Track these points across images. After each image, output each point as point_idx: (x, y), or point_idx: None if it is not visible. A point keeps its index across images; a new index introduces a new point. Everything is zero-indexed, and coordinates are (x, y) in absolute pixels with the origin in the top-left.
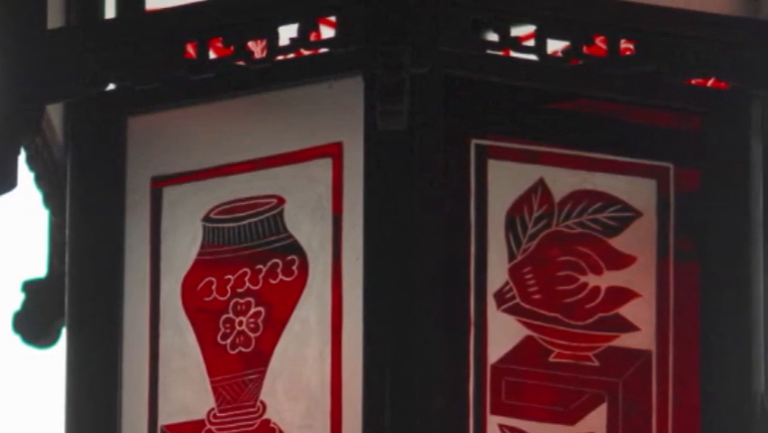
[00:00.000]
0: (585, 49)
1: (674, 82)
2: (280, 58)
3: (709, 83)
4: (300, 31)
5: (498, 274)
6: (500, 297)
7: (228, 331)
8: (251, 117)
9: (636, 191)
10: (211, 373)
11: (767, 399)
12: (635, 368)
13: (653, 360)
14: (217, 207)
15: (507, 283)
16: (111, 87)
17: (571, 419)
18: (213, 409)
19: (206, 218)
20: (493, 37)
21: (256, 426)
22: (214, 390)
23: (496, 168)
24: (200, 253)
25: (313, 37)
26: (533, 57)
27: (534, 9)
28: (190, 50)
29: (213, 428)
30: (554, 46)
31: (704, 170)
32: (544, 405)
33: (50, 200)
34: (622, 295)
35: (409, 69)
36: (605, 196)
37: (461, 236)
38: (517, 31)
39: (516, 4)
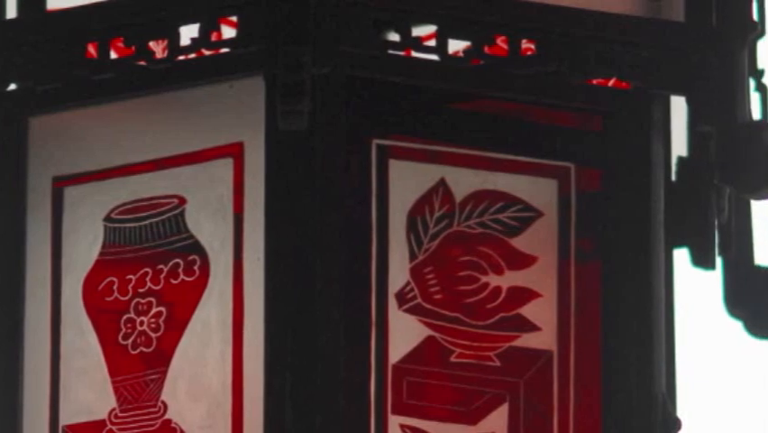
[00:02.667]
0: (486, 49)
1: (576, 82)
2: (181, 58)
3: (611, 83)
4: (201, 31)
5: (399, 274)
6: (401, 297)
7: (129, 331)
8: (152, 117)
9: (537, 191)
10: (112, 373)
11: (668, 399)
12: (537, 368)
13: (555, 360)
14: (118, 207)
15: (408, 283)
16: (12, 86)
17: (473, 419)
18: (114, 409)
19: (108, 218)
20: (394, 37)
21: (157, 426)
22: (116, 390)
23: (397, 168)
24: (101, 253)
25: (214, 37)
26: (434, 57)
27: (435, 9)
28: (91, 50)
29: (114, 428)
30: (456, 46)
31: (605, 171)
32: (445, 405)
33: None
34: (523, 295)
35: (310, 70)
36: (506, 196)
37: (363, 236)
38: (419, 31)
39: (417, 4)
